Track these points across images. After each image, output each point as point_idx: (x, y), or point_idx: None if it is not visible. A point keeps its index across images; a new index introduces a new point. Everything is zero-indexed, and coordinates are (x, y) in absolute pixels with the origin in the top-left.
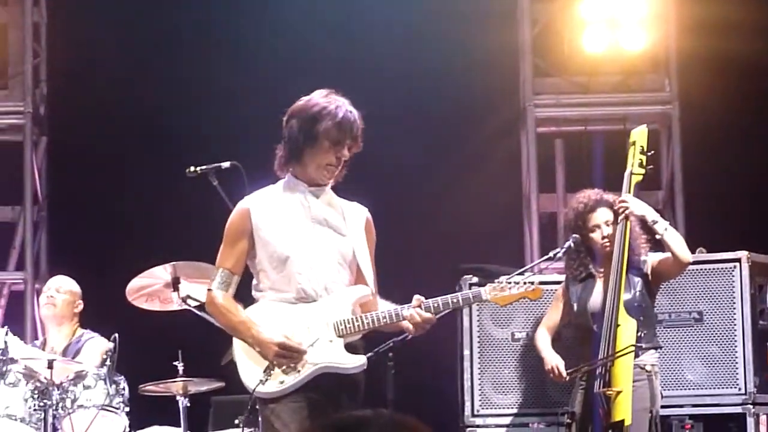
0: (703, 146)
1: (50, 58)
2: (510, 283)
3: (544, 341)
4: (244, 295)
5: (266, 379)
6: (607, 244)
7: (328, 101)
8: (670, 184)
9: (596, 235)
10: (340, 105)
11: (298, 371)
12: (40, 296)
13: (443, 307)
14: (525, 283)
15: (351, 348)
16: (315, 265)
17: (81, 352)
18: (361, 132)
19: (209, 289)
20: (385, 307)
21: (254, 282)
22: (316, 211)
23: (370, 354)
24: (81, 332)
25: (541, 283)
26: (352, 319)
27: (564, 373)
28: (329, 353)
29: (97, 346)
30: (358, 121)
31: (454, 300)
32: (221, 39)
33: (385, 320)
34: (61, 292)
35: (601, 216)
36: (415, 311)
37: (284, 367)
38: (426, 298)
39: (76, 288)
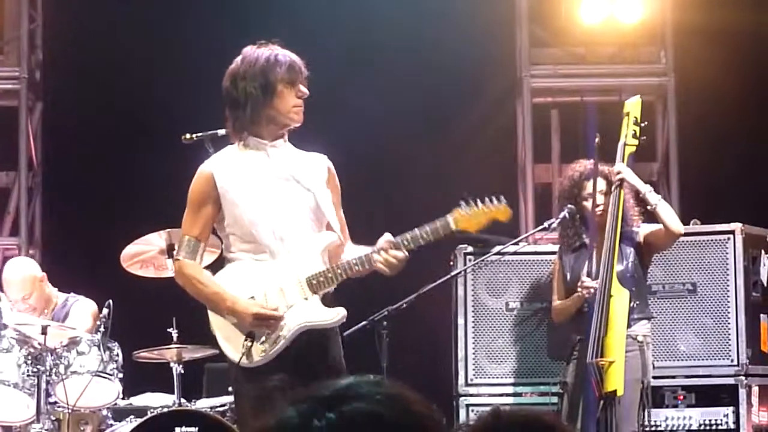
0: (699, 118)
1: (46, 23)
2: (474, 203)
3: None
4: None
5: (248, 349)
6: (600, 211)
7: (266, 52)
8: (665, 155)
9: (589, 204)
10: (276, 52)
11: (278, 336)
12: (11, 302)
13: (413, 242)
14: (492, 202)
15: (327, 300)
16: (286, 221)
17: (69, 315)
18: (303, 65)
19: (176, 259)
20: (357, 252)
21: (224, 245)
22: (280, 168)
23: (364, 323)
24: (65, 296)
25: (536, 253)
26: (324, 271)
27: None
28: (306, 312)
29: (85, 308)
30: (297, 59)
31: (424, 233)
32: (219, 8)
33: (357, 267)
34: (27, 294)
35: (591, 186)
36: (388, 252)
37: (264, 335)
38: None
39: (32, 273)
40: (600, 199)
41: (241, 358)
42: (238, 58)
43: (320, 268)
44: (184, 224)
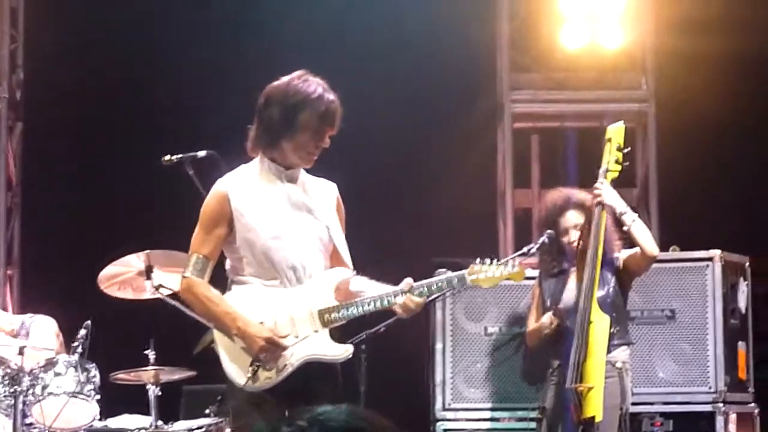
0: (679, 145)
1: (27, 43)
2: (492, 264)
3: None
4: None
5: (254, 374)
6: (573, 243)
7: (309, 88)
8: (644, 182)
9: (565, 238)
10: (322, 93)
11: (285, 365)
12: None
13: (429, 291)
14: (507, 263)
15: (336, 335)
16: (298, 251)
17: (30, 335)
18: (340, 117)
19: (184, 276)
20: (366, 285)
21: (231, 266)
22: (295, 197)
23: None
24: (20, 319)
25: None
26: (337, 306)
27: (554, 317)
28: (316, 345)
29: (45, 327)
30: (339, 108)
31: (438, 283)
32: (197, 28)
33: (371, 308)
34: None
35: (570, 219)
36: (408, 297)
37: (269, 363)
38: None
39: None
40: (575, 235)
41: (246, 381)
42: (286, 78)
43: (332, 302)
44: (194, 241)
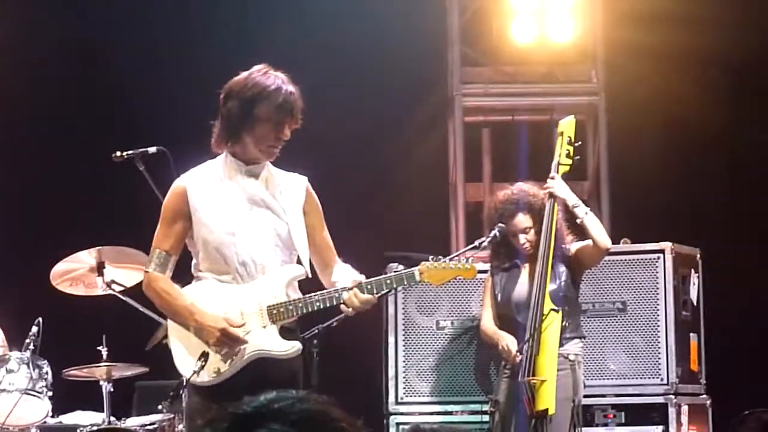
0: (629, 138)
1: None
2: (443, 261)
3: (491, 326)
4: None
5: (201, 367)
6: (528, 248)
7: (267, 81)
8: (595, 175)
9: (516, 241)
10: (280, 85)
11: (232, 359)
12: None
13: (377, 288)
14: (459, 260)
15: (286, 332)
16: (252, 246)
17: None
18: (300, 109)
19: (146, 271)
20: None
21: (194, 262)
22: (253, 192)
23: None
24: None
25: None
26: (285, 303)
27: (514, 351)
28: (262, 340)
29: None
30: (298, 100)
31: (388, 281)
32: (147, 20)
33: (319, 305)
34: None
35: (520, 222)
36: (353, 293)
37: (220, 355)
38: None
39: None
40: (524, 238)
41: (192, 375)
42: (245, 73)
43: (283, 299)
44: (156, 237)
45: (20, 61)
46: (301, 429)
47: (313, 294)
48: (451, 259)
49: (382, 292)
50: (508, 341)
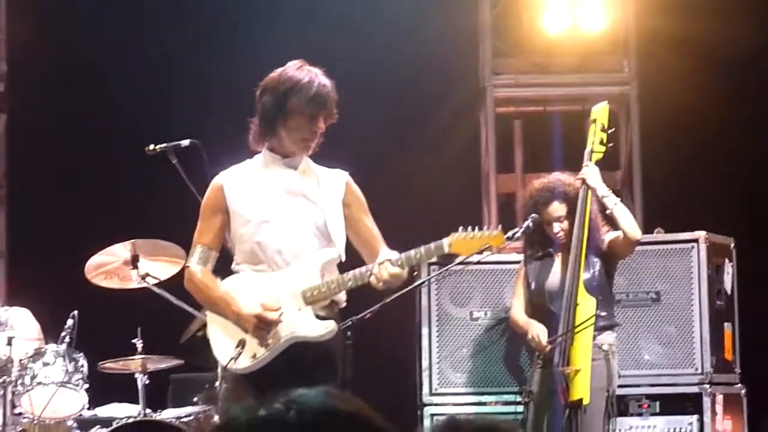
0: (661, 127)
1: (10, 36)
2: (472, 231)
3: (522, 316)
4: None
5: (239, 354)
6: (561, 236)
7: (301, 74)
8: (628, 164)
9: (550, 229)
10: (313, 78)
11: (268, 344)
12: None
13: (407, 262)
14: (487, 228)
15: (322, 317)
16: (287, 234)
17: (9, 326)
18: (335, 103)
19: (187, 266)
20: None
21: (234, 256)
22: (290, 182)
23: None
24: None
25: (500, 262)
26: (318, 285)
27: (545, 342)
28: (297, 323)
29: (24, 318)
30: (332, 93)
31: (417, 254)
32: (181, 16)
33: (351, 282)
34: None
35: (554, 211)
36: (382, 267)
37: (258, 340)
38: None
39: None
40: (558, 227)
41: (229, 361)
42: (279, 69)
43: (317, 282)
44: (196, 233)
45: (54, 58)
46: (321, 425)
47: (345, 273)
48: (480, 229)
49: (412, 265)
50: (538, 330)
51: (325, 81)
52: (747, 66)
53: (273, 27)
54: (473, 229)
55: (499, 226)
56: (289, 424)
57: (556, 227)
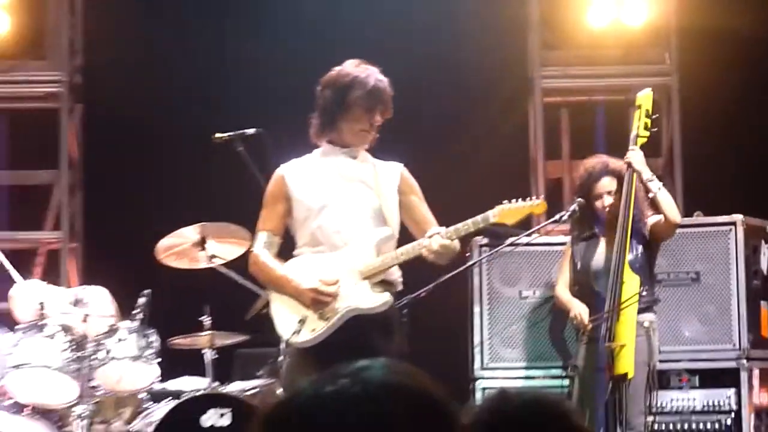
0: (701, 116)
1: (85, 30)
2: (514, 201)
3: (566, 294)
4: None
5: (300, 329)
6: (607, 211)
7: (359, 70)
8: (669, 152)
9: (599, 203)
10: (371, 74)
11: (328, 318)
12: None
13: (455, 233)
14: (528, 198)
15: (377, 288)
16: (344, 216)
17: (89, 305)
18: (391, 98)
19: (251, 251)
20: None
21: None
22: (347, 169)
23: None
24: (73, 291)
25: (547, 244)
26: (373, 259)
27: (586, 321)
28: (355, 297)
29: (100, 296)
30: (388, 89)
31: (465, 226)
32: (249, 12)
33: (403, 255)
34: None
35: (605, 185)
36: (432, 239)
37: (319, 313)
38: None
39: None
40: (608, 200)
41: (291, 335)
42: (338, 68)
43: (372, 258)
44: (260, 221)
45: (126, 50)
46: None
47: (399, 248)
48: (522, 200)
49: (461, 236)
50: (580, 309)
51: (382, 77)
52: None
53: (332, 27)
54: (516, 201)
55: (541, 196)
56: (352, 397)
57: (607, 200)
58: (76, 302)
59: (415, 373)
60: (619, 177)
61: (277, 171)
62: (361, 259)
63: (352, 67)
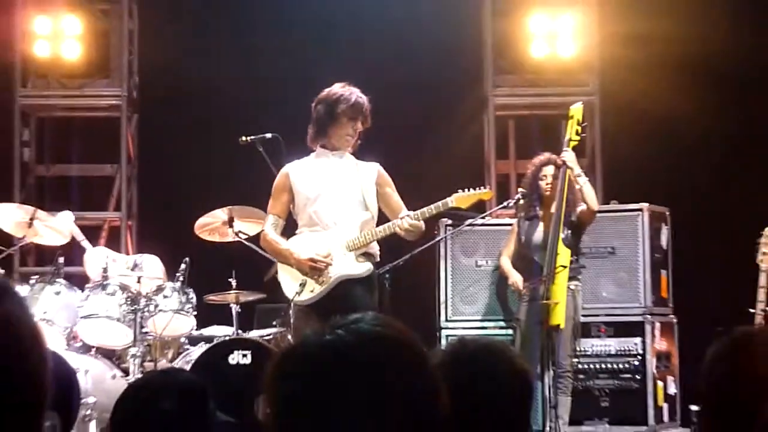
0: (617, 127)
1: (140, 55)
2: (468, 189)
3: (507, 264)
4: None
5: (301, 291)
6: (548, 189)
7: (344, 90)
8: (592, 153)
9: (542, 183)
10: (353, 92)
11: (323, 282)
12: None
13: (422, 215)
14: (479, 187)
15: (361, 258)
16: (335, 204)
17: (143, 269)
18: (369, 111)
19: (263, 230)
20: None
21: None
22: (337, 167)
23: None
24: (133, 258)
25: (497, 225)
26: (357, 236)
27: (521, 286)
28: (344, 265)
29: (153, 263)
30: (366, 104)
31: (430, 209)
32: (271, 43)
33: (381, 232)
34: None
35: (548, 171)
36: (403, 220)
37: (316, 278)
38: None
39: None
40: (547, 182)
41: (294, 296)
42: (328, 89)
43: (357, 234)
44: (269, 206)
45: (174, 71)
46: (380, 328)
47: (377, 227)
48: (475, 189)
49: (426, 218)
50: (516, 278)
51: (362, 95)
52: (682, 78)
53: (328, 57)
54: (469, 189)
55: (489, 186)
56: (348, 345)
57: (547, 181)
58: (134, 266)
59: (396, 324)
60: (556, 165)
61: (283, 168)
62: (348, 235)
63: (339, 87)
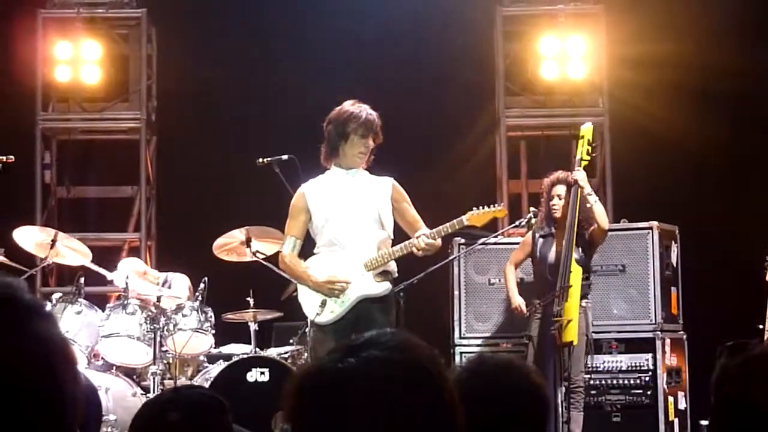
0: (626, 147)
1: (159, 80)
2: (482, 207)
3: (512, 282)
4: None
5: (321, 311)
6: (556, 209)
7: (354, 108)
8: (602, 173)
9: (553, 202)
10: (363, 109)
11: (343, 302)
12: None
13: (438, 234)
14: (492, 205)
15: (379, 278)
16: (352, 223)
17: (171, 287)
18: (380, 128)
19: (280, 252)
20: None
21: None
22: (352, 186)
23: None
24: (164, 275)
25: (509, 244)
26: (375, 256)
27: (524, 310)
28: (363, 285)
29: (181, 281)
30: (377, 120)
31: (445, 228)
32: (288, 66)
33: (398, 252)
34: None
35: (558, 190)
36: (419, 239)
37: (334, 299)
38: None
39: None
40: (559, 202)
41: (315, 315)
42: (338, 107)
43: (374, 254)
44: (286, 227)
45: (191, 95)
46: (397, 353)
47: (394, 246)
48: (489, 207)
49: (442, 236)
50: (518, 302)
51: (372, 111)
52: (687, 102)
53: (341, 77)
54: (483, 207)
55: (502, 204)
56: (359, 371)
57: (557, 203)
58: (164, 282)
59: (412, 342)
60: (567, 185)
61: (300, 189)
62: (365, 255)
63: (350, 105)
